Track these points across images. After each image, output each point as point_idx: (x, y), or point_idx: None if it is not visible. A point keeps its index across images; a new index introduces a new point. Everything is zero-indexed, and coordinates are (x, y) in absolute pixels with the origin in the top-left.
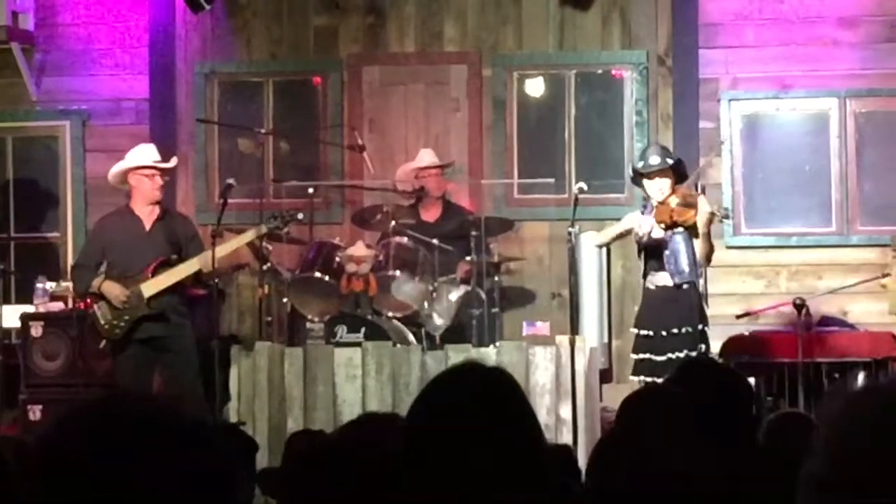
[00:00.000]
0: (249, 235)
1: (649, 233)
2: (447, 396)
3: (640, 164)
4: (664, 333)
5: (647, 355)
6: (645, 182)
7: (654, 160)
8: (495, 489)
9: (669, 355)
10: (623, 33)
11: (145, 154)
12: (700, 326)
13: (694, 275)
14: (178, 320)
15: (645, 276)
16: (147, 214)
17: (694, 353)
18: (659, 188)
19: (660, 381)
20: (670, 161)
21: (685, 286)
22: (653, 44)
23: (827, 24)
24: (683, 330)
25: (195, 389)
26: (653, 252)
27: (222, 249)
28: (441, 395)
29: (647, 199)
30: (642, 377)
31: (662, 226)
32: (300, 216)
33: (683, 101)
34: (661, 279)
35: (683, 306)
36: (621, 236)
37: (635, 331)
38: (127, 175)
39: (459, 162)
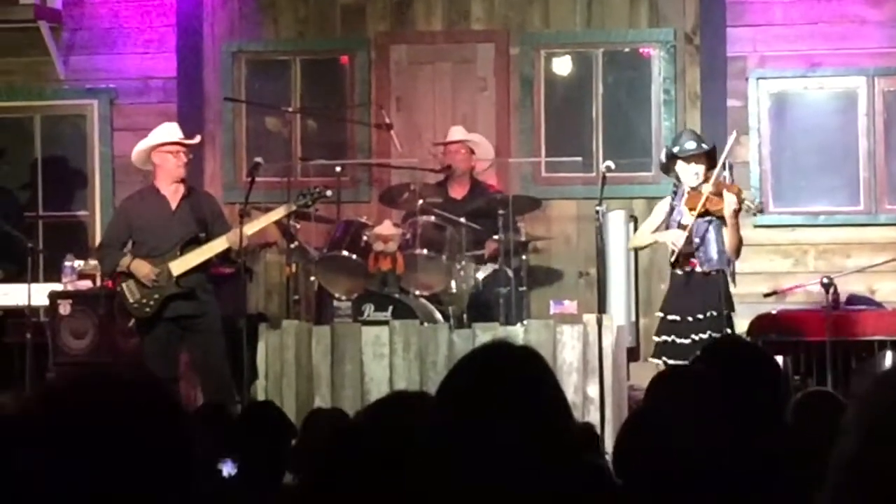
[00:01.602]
0: (279, 213)
1: (679, 220)
2: (477, 375)
3: (675, 149)
4: (690, 319)
5: (671, 337)
6: (680, 166)
7: (691, 144)
8: (524, 468)
9: (694, 337)
10: (650, 11)
11: (168, 131)
12: (726, 312)
13: (722, 262)
14: (205, 298)
15: (675, 261)
16: (172, 193)
17: (718, 336)
18: (695, 172)
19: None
20: (706, 146)
21: (713, 273)
22: (680, 22)
23: (855, 3)
24: (709, 314)
25: (222, 368)
26: None
27: (251, 227)
28: (470, 373)
29: (677, 186)
30: (663, 359)
31: (693, 213)
32: (329, 193)
33: (711, 80)
34: (690, 266)
35: (711, 292)
36: (658, 229)
37: (661, 315)
38: (151, 154)
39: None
